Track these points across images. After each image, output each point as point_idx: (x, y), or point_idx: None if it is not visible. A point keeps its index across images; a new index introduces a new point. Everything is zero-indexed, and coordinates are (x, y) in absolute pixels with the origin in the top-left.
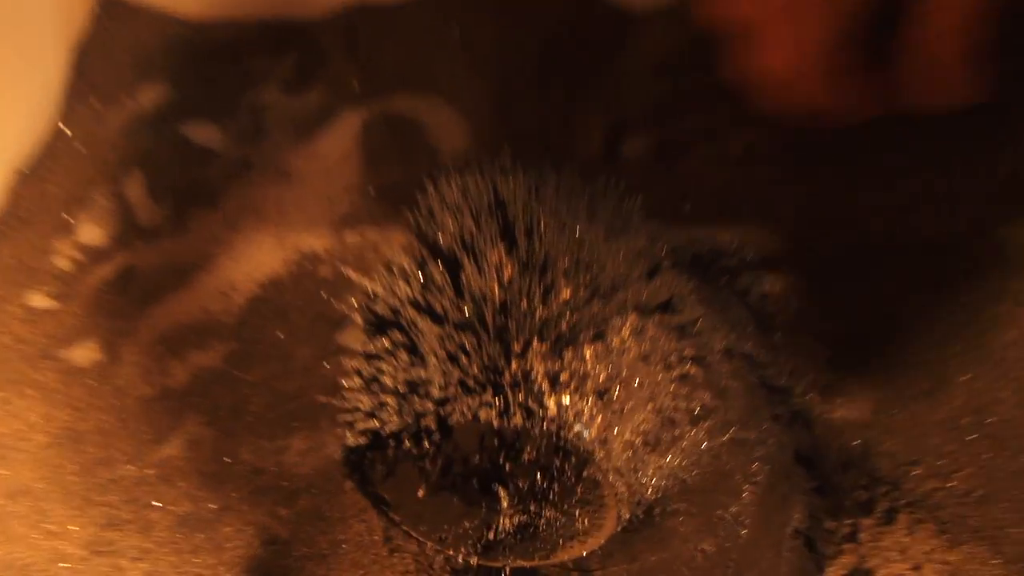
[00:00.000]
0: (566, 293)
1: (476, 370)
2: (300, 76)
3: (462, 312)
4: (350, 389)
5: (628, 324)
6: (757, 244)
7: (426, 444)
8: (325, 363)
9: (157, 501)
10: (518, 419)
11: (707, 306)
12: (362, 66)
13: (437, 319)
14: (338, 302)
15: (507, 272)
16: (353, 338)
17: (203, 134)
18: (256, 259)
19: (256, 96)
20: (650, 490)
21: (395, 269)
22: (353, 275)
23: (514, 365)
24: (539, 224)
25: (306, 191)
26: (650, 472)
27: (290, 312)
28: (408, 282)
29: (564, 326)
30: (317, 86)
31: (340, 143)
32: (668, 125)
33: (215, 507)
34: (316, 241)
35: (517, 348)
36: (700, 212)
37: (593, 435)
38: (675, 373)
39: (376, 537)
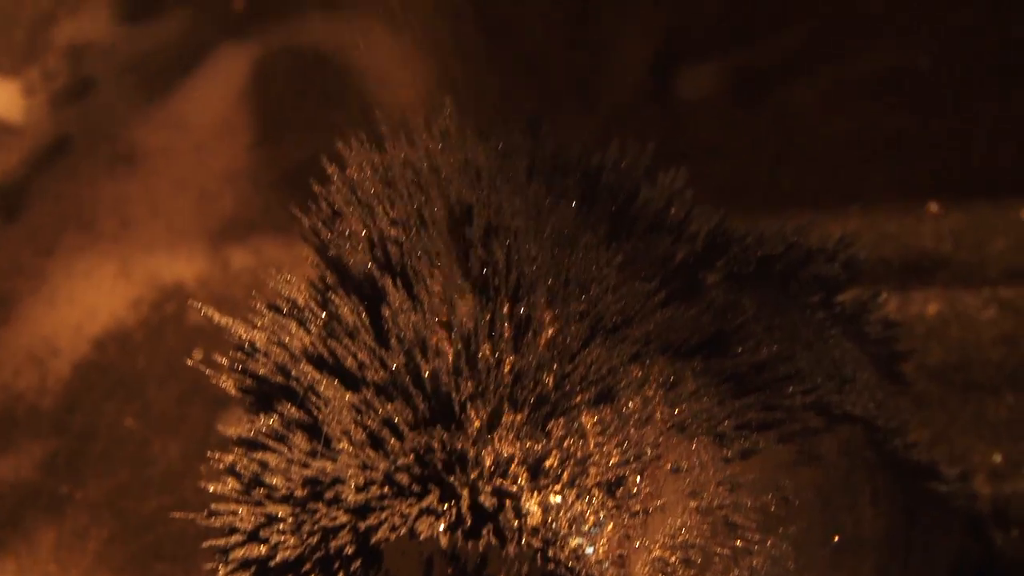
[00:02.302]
0: (551, 331)
1: (412, 459)
2: None
3: (386, 368)
4: (221, 498)
5: (653, 374)
6: (891, 238)
7: None
8: (205, 464)
9: None
10: (483, 533)
11: (785, 340)
12: None
13: (348, 381)
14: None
15: (460, 304)
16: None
17: None
18: (87, 301)
19: (72, 28)
20: None
21: (283, 305)
22: (217, 317)
23: (472, 449)
24: (506, 222)
25: (163, 183)
26: None
27: (145, 385)
28: (304, 324)
29: (549, 383)
30: (174, 7)
31: (217, 99)
32: (750, 45)
33: None
34: (183, 266)
35: (475, 421)
36: (802, 189)
37: (602, 552)
38: (732, 449)
39: None
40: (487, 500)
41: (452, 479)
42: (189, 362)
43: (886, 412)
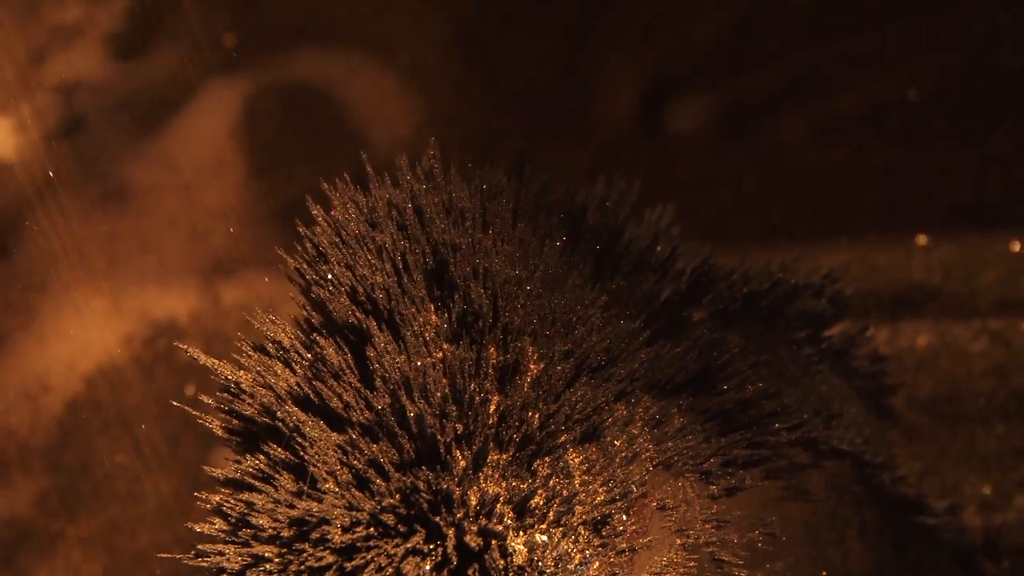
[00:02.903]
0: (535, 369)
1: (397, 499)
2: (136, 28)
3: (372, 409)
4: (208, 539)
5: (638, 413)
6: (881, 271)
7: None
8: (199, 498)
9: None
10: (469, 573)
11: (771, 377)
12: (237, 7)
13: (334, 421)
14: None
15: (443, 344)
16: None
17: None
18: (78, 338)
19: (64, 65)
20: None
21: (269, 346)
22: (204, 359)
23: (457, 489)
24: (491, 264)
25: (154, 220)
26: None
27: (137, 421)
28: (290, 365)
29: (534, 422)
30: (165, 44)
31: (208, 136)
32: (739, 78)
33: None
34: (175, 302)
35: (461, 461)
36: (791, 222)
37: None
38: (719, 485)
39: None
40: (473, 540)
41: (438, 519)
42: (175, 403)
43: (874, 446)
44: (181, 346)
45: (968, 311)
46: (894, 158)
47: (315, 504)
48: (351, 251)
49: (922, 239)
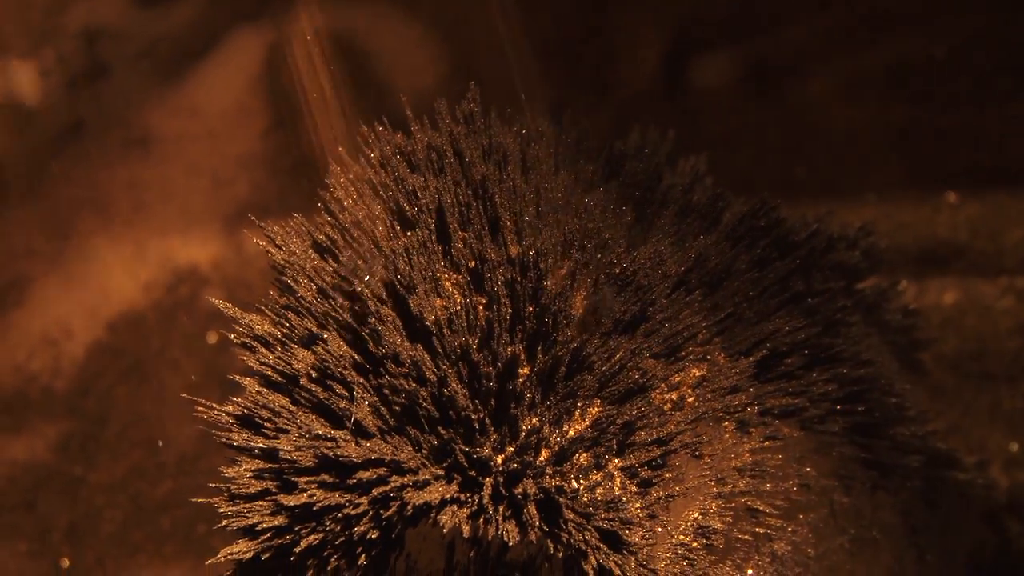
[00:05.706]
0: (578, 318)
1: (435, 444)
2: None
3: (411, 357)
4: (238, 477)
5: (678, 361)
6: (907, 228)
7: (362, 562)
8: (221, 449)
9: None
10: (503, 525)
11: (808, 327)
12: None
13: (372, 366)
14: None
15: (482, 297)
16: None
17: (5, 79)
18: (101, 283)
19: (87, 11)
20: None
21: (304, 289)
22: (230, 309)
23: (495, 435)
24: (533, 211)
25: (177, 168)
26: None
27: (159, 368)
28: (326, 303)
29: (576, 369)
30: None
31: (230, 86)
32: (763, 36)
33: None
34: (197, 250)
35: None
36: (816, 179)
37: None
38: (756, 435)
39: None
40: (508, 489)
41: (474, 467)
42: (212, 339)
43: (907, 400)
44: (221, 304)
45: (994, 269)
46: (919, 117)
47: (352, 448)
48: (390, 193)
49: (951, 196)
